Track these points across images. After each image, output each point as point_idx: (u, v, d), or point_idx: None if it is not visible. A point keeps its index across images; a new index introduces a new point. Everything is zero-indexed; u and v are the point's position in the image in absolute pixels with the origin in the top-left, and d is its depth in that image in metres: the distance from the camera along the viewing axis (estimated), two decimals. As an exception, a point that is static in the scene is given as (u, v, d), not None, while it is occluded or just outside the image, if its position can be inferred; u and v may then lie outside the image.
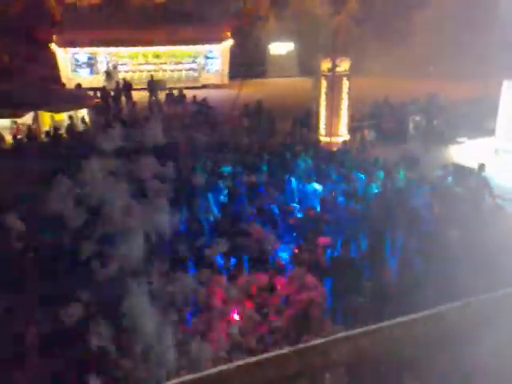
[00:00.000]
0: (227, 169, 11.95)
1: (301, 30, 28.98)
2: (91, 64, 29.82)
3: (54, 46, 28.14)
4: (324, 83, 15.29)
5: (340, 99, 15.18)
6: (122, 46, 28.89)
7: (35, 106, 16.55)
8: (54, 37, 28.19)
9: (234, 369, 1.86)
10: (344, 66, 14.94)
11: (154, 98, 24.29)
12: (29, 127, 16.39)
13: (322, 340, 2.02)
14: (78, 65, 29.67)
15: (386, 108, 18.50)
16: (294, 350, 1.92)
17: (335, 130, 15.36)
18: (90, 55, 29.49)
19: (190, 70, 30.50)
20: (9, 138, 15.92)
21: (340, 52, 15.27)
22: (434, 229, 8.62)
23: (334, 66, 14.75)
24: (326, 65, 15.04)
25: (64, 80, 27.85)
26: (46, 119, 16.91)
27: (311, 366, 1.95)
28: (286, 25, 30.27)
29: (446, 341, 2.14)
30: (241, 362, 1.90)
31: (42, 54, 28.64)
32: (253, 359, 1.90)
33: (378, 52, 23.24)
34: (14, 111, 16.36)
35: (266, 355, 1.89)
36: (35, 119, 16.97)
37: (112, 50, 29.23)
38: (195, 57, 30.32)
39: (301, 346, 1.98)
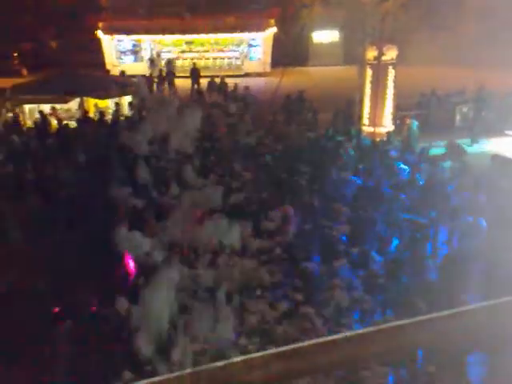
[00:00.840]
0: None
1: (346, 17, 28.46)
2: (135, 51, 30.22)
3: (99, 33, 28.59)
4: (369, 72, 14.94)
5: (385, 89, 14.81)
6: (167, 33, 29.08)
7: (81, 93, 16.84)
8: (101, 24, 28.64)
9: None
10: (391, 54, 14.55)
11: (195, 86, 24.38)
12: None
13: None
14: (122, 52, 30.12)
15: (433, 98, 17.97)
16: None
17: (379, 121, 15.00)
18: (134, 42, 29.88)
19: (232, 58, 30.50)
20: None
21: (387, 40, 14.88)
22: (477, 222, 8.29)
23: (381, 54, 14.39)
24: (371, 53, 14.68)
25: (109, 67, 28.33)
26: (91, 105, 17.19)
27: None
28: (332, 12, 29.80)
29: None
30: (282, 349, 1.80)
31: (88, 41, 29.16)
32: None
33: (426, 40, 22.61)
34: (60, 97, 16.68)
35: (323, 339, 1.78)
36: (80, 105, 17.28)
37: (156, 37, 29.48)
38: (238, 45, 30.29)
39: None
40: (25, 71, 29.84)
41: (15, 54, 31.68)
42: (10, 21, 31.45)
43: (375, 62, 14.77)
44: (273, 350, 1.76)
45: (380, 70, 14.71)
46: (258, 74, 29.10)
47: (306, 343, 1.77)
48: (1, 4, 30.56)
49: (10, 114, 17.18)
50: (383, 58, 14.56)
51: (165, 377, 1.68)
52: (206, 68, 28.60)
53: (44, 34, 33.47)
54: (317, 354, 1.76)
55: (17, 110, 17.23)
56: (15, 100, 17.40)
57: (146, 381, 1.62)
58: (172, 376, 1.67)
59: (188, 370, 1.66)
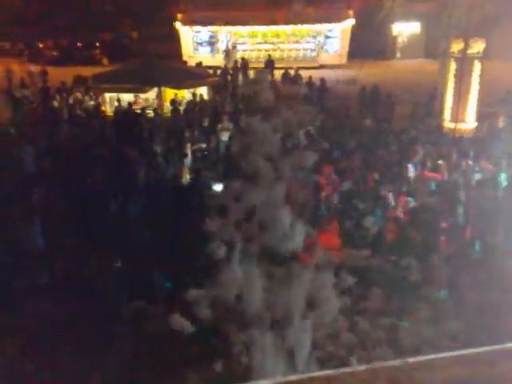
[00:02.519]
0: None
1: (429, 9, 27.34)
2: (212, 42, 30.51)
3: (178, 25, 29.07)
4: (453, 65, 14.20)
5: (469, 83, 14.02)
6: (244, 24, 29.14)
7: (159, 82, 17.16)
8: (179, 15, 29.11)
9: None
10: (477, 47, 13.76)
11: (270, 78, 24.29)
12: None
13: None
14: (199, 43, 30.50)
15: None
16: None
17: (461, 116, 14.25)
18: (211, 34, 30.16)
19: (307, 49, 30.11)
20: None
21: (473, 32, 14.08)
22: None
23: (466, 47, 13.64)
24: (457, 46, 13.95)
25: (185, 58, 28.75)
26: (169, 95, 17.49)
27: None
28: (414, 4, 28.73)
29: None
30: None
31: (166, 32, 29.76)
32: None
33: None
34: (139, 86, 17.09)
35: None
36: (158, 95, 17.64)
37: (233, 28, 29.61)
38: (314, 36, 29.86)
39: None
40: (105, 61, 30.89)
41: (97, 44, 32.91)
42: (91, 11, 32.72)
43: (460, 56, 14.02)
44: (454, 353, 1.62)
45: (465, 63, 13.95)
46: (334, 67, 28.52)
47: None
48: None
49: (92, 102, 17.84)
50: (469, 51, 13.80)
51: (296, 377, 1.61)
52: (281, 59, 28.40)
53: (124, 24, 34.52)
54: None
55: (98, 98, 17.87)
56: (96, 89, 18.05)
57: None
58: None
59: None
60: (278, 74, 23.42)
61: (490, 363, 1.63)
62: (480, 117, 14.48)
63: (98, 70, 21.46)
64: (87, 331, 5.65)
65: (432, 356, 1.65)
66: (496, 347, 1.67)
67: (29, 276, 6.97)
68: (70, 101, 17.66)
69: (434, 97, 16.07)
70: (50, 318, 5.85)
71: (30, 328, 5.88)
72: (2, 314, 5.94)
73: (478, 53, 13.89)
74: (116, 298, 6.40)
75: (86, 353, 5.36)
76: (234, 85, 22.51)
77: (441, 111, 14.90)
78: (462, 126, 14.11)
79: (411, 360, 1.61)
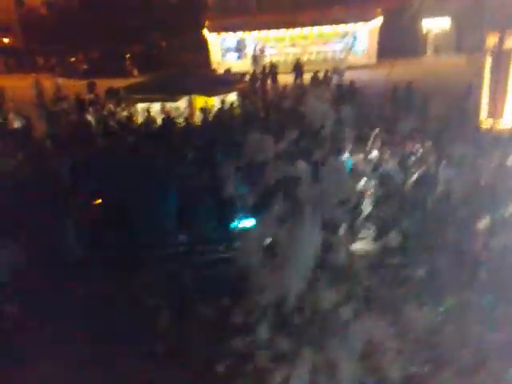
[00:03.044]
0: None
1: (459, 3, 26.78)
2: (239, 48, 30.63)
3: (205, 32, 29.28)
4: (489, 60, 13.85)
5: (507, 78, 13.65)
6: (270, 28, 29.14)
7: (189, 91, 17.26)
8: (207, 22, 29.31)
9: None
10: (514, 40, 13.39)
11: (298, 81, 24.20)
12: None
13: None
14: (227, 49, 30.65)
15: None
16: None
17: (500, 113, 13.88)
18: (238, 39, 30.28)
19: (336, 50, 29.91)
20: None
21: (509, 25, 13.68)
22: None
23: (502, 40, 13.27)
24: (492, 40, 13.59)
25: (214, 65, 28.92)
26: (200, 103, 17.55)
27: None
28: (444, -1, 28.23)
29: None
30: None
31: (195, 41, 30.01)
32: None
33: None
34: (169, 95, 17.22)
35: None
36: (188, 103, 17.73)
37: (260, 33, 29.66)
38: (342, 37, 29.66)
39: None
40: (136, 71, 31.31)
41: (127, 56, 33.39)
42: (121, 23, 33.24)
43: (496, 50, 13.65)
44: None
45: (501, 57, 13.58)
46: (364, 67, 28.22)
47: None
48: (112, 7, 32.34)
49: (125, 113, 18.04)
50: (505, 44, 13.41)
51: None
52: (309, 62, 28.27)
53: (153, 35, 34.95)
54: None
55: (131, 109, 18.06)
56: (128, 99, 18.27)
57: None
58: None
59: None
60: (307, 77, 23.32)
61: None
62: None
63: (129, 81, 21.73)
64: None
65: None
66: None
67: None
68: (104, 112, 17.91)
69: (469, 94, 15.67)
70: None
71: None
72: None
73: (514, 46, 13.50)
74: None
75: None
76: (263, 90, 22.52)
77: (477, 108, 14.52)
78: (500, 123, 13.72)
79: None
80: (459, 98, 16.11)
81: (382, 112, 15.85)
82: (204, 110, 16.71)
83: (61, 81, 25.15)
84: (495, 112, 13.93)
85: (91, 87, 21.91)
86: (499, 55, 13.51)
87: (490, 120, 13.87)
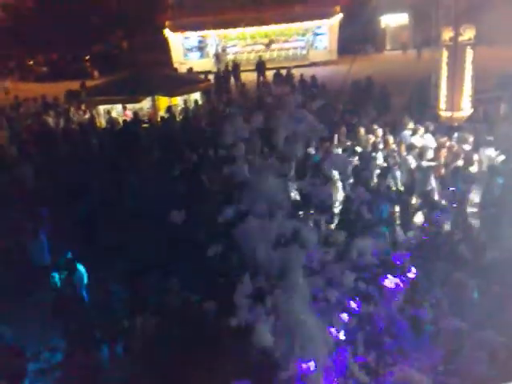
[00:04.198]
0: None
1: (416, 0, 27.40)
2: (201, 47, 30.52)
3: (167, 32, 29.05)
4: (445, 53, 14.14)
5: (463, 71, 13.97)
6: (232, 27, 29.14)
7: (152, 91, 17.13)
8: (167, 22, 29.10)
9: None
10: (468, 34, 13.71)
11: (262, 79, 24.29)
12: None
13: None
14: (188, 49, 30.50)
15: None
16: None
17: (457, 104, 14.23)
18: (200, 39, 30.17)
19: (297, 47, 30.13)
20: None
21: (463, 19, 14.04)
22: None
23: (457, 34, 13.61)
24: (447, 34, 13.89)
25: (176, 65, 28.74)
26: (164, 104, 17.44)
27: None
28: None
29: None
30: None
31: (156, 40, 29.76)
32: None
33: (507, 17, 21.23)
34: (132, 96, 17.04)
35: None
36: (152, 104, 17.60)
37: (221, 32, 29.62)
38: (303, 34, 29.89)
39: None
40: (96, 73, 30.87)
41: (86, 57, 32.88)
42: (80, 24, 32.69)
43: (451, 43, 13.99)
44: None
45: (457, 51, 13.92)
46: (325, 63, 28.54)
47: None
48: (71, 8, 31.76)
49: (86, 116, 17.80)
50: (460, 38, 13.76)
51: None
52: (272, 60, 28.43)
53: (113, 35, 34.51)
54: None
55: (92, 111, 17.81)
56: (89, 102, 18.00)
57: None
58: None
59: None
60: (269, 74, 23.47)
61: None
62: (475, 103, 14.47)
63: (89, 82, 21.45)
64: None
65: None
66: None
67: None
68: (65, 116, 17.62)
69: (428, 86, 16.04)
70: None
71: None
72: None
73: (469, 39, 13.85)
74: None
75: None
76: (226, 88, 22.52)
77: (436, 100, 14.87)
78: (458, 114, 14.08)
79: None
80: (418, 91, 16.50)
81: (344, 106, 16.14)
82: (169, 110, 16.62)
83: (8, 84, 24.64)
84: (453, 104, 14.28)
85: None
86: (455, 49, 13.85)
87: (449, 112, 14.21)
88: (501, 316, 5.36)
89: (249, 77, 24.51)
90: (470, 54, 13.91)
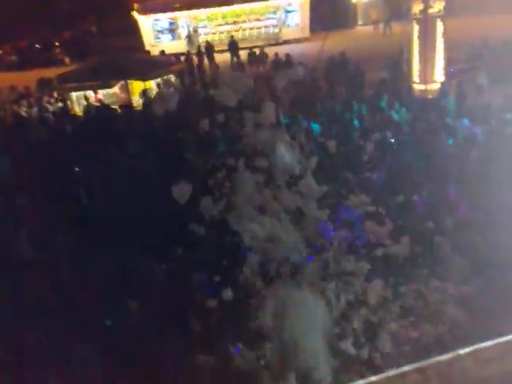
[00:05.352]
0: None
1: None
2: (172, 29, 30.10)
3: (135, 14, 28.59)
4: (416, 27, 14.27)
5: (434, 43, 14.12)
6: (202, 7, 28.80)
7: (124, 75, 16.92)
8: (135, 5, 28.61)
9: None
10: (438, 6, 13.83)
11: (235, 59, 24.14)
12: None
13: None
14: (159, 31, 30.06)
15: (485, 49, 17.07)
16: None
17: (430, 77, 14.39)
18: (170, 20, 29.75)
19: (269, 26, 29.94)
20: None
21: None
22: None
23: (427, 7, 13.71)
24: (417, 7, 14.01)
25: (148, 47, 28.35)
26: (137, 88, 17.25)
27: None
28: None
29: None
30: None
31: (126, 24, 29.28)
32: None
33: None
34: (105, 82, 16.82)
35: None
36: (124, 88, 17.39)
37: (192, 13, 29.24)
38: (274, 12, 29.67)
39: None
40: (67, 60, 30.28)
41: (56, 44, 32.18)
42: (49, 11, 31.94)
43: (421, 16, 14.09)
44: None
45: (427, 23, 14.04)
46: (298, 41, 28.46)
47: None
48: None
49: (59, 104, 17.54)
50: (430, 10, 13.87)
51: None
52: (244, 39, 28.23)
53: (83, 21, 33.82)
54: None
55: (65, 98, 17.55)
56: (62, 89, 17.72)
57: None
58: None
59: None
60: (243, 54, 23.34)
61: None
62: (447, 75, 14.64)
63: (61, 69, 21.06)
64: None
65: (483, 345, 1.59)
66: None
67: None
68: (38, 104, 17.33)
69: (401, 60, 16.17)
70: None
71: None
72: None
73: (439, 11, 13.96)
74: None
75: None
76: (200, 70, 22.35)
77: (409, 73, 15.01)
78: (432, 87, 14.25)
79: (462, 352, 1.56)
80: (391, 66, 16.61)
81: (319, 83, 16.19)
82: (143, 94, 16.43)
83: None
84: (426, 77, 14.44)
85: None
86: (425, 22, 13.96)
87: (422, 85, 14.38)
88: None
89: (222, 57, 24.33)
90: (440, 26, 14.04)
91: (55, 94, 18.17)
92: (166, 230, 6.98)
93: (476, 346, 1.46)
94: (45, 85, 19.17)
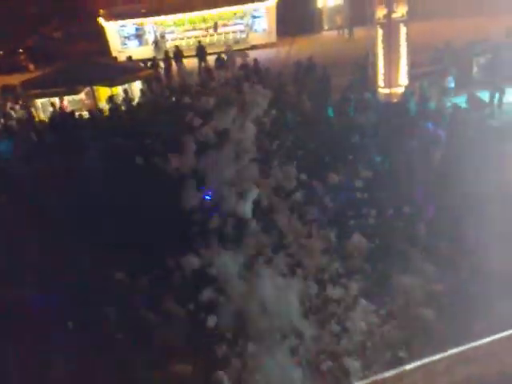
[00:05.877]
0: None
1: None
2: (139, 35, 29.91)
3: (101, 20, 28.31)
4: (380, 31, 14.53)
5: (398, 47, 14.39)
6: (168, 13, 28.72)
7: (90, 82, 16.73)
8: (101, 11, 28.35)
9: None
10: (401, 11, 14.11)
11: (203, 64, 24.10)
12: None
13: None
14: (126, 37, 29.82)
15: (447, 52, 17.47)
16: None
17: (394, 81, 14.67)
18: (137, 26, 29.56)
19: (237, 31, 30.03)
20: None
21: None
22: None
23: (391, 11, 13.97)
24: (381, 12, 14.26)
25: (114, 53, 28.10)
26: (103, 94, 17.06)
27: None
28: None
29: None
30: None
31: (91, 30, 28.96)
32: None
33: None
34: (70, 88, 16.59)
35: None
36: (91, 95, 17.18)
37: (158, 18, 29.12)
38: (241, 17, 29.80)
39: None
40: (32, 66, 29.77)
41: (20, 50, 31.57)
42: (11, 17, 31.31)
43: (385, 21, 14.35)
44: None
45: (391, 28, 14.31)
46: (265, 46, 28.62)
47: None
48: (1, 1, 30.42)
49: (23, 111, 17.20)
50: (393, 15, 14.15)
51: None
52: (212, 45, 28.25)
53: (47, 26, 33.27)
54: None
55: (29, 105, 17.24)
56: (26, 96, 17.41)
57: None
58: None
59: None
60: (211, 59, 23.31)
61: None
62: (411, 78, 14.92)
63: (25, 76, 20.70)
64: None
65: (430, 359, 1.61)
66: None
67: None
68: (2, 111, 16.97)
69: (366, 64, 16.40)
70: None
71: None
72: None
73: (402, 16, 14.24)
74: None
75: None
76: (168, 76, 22.24)
77: (375, 78, 15.24)
78: (396, 90, 14.52)
79: (408, 368, 1.58)
80: (356, 70, 16.85)
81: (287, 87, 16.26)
82: (110, 100, 16.24)
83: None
84: (390, 81, 14.70)
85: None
86: (389, 27, 14.21)
87: (387, 89, 14.62)
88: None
89: (190, 63, 24.27)
90: (403, 30, 14.33)
91: (19, 101, 17.83)
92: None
93: (423, 361, 1.48)
94: (8, 92, 18.79)
